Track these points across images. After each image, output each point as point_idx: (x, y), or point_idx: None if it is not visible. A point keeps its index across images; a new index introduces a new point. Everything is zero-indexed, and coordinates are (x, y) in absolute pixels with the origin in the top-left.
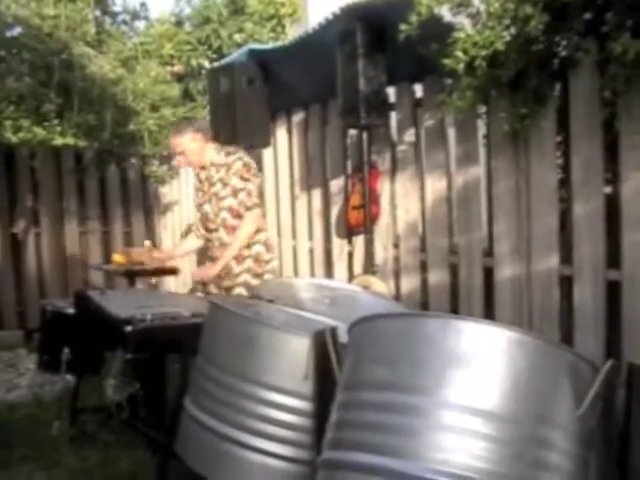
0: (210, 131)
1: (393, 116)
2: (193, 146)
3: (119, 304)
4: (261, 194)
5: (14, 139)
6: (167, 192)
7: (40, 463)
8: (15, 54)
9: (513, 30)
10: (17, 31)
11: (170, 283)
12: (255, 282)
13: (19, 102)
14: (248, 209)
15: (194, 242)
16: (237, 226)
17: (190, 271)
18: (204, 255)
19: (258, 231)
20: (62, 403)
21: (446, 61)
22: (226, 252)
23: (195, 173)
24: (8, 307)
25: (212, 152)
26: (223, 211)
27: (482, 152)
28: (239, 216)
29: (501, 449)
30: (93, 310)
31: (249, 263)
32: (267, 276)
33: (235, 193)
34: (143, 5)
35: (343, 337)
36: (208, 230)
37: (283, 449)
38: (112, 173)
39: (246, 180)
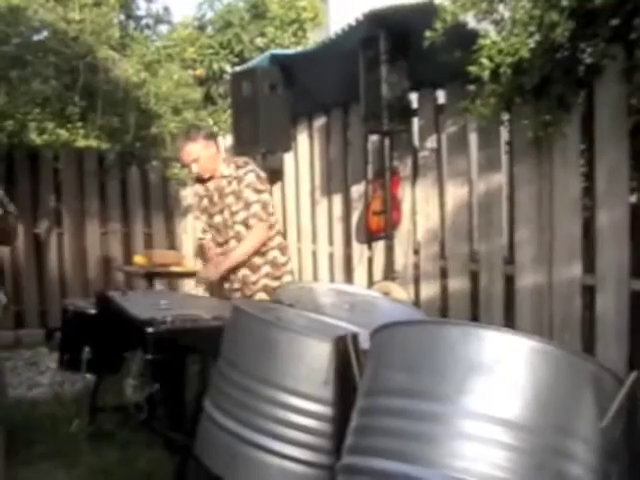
0: (218, 139)
1: (415, 122)
2: (206, 153)
3: (140, 305)
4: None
5: (38, 141)
6: (188, 195)
7: (60, 460)
8: (41, 57)
9: (538, 37)
10: (43, 35)
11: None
12: (274, 284)
13: (44, 104)
14: (261, 220)
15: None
16: None
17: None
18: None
19: (271, 238)
20: (82, 402)
21: (471, 68)
22: (228, 259)
23: (201, 181)
24: (30, 306)
25: (222, 164)
26: (237, 224)
27: (504, 159)
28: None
29: (522, 459)
30: (114, 311)
31: (266, 269)
32: (286, 277)
33: (247, 206)
34: (166, 9)
35: (363, 343)
36: (218, 243)
37: (302, 453)
38: (134, 175)
39: (260, 192)
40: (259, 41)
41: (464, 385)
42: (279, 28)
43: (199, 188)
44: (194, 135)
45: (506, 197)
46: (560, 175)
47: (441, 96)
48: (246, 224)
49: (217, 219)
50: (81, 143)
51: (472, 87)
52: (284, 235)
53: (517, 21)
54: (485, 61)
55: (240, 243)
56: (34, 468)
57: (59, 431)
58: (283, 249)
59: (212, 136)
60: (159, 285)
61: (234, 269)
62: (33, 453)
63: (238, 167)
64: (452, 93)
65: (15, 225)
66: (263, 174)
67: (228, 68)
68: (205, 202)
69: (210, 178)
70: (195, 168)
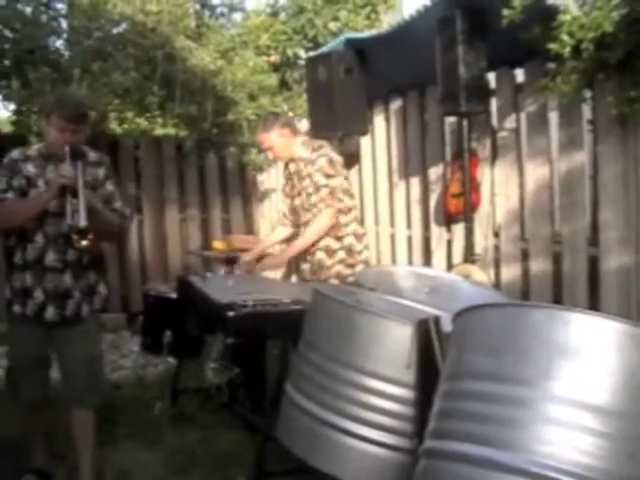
0: (296, 125)
1: (493, 102)
2: (280, 141)
3: (220, 289)
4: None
5: (119, 130)
6: (265, 180)
7: (142, 441)
8: (121, 49)
9: (622, 9)
10: (123, 27)
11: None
12: (348, 272)
13: (124, 95)
14: (328, 206)
15: (281, 232)
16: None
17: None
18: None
19: (347, 224)
20: (164, 384)
21: (551, 45)
22: (294, 244)
23: (284, 164)
24: (112, 291)
25: (299, 147)
26: (313, 207)
27: (587, 137)
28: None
29: (610, 446)
30: (195, 295)
31: (341, 255)
32: (359, 267)
33: (317, 189)
34: None
35: (445, 326)
36: (298, 224)
37: (383, 437)
38: (211, 161)
39: (329, 177)
40: (332, 25)
41: (549, 369)
42: (352, 12)
43: (285, 172)
44: (269, 125)
45: (589, 177)
46: None
47: (519, 75)
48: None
49: (297, 202)
50: (159, 131)
51: (552, 65)
52: (362, 219)
53: None
54: (566, 37)
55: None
56: (118, 448)
57: (142, 413)
58: (359, 237)
59: (287, 124)
60: (238, 270)
61: (312, 252)
62: (117, 434)
63: (313, 150)
64: (531, 71)
65: (118, 224)
66: (338, 158)
67: (302, 53)
68: (289, 185)
69: (292, 160)
70: (270, 155)
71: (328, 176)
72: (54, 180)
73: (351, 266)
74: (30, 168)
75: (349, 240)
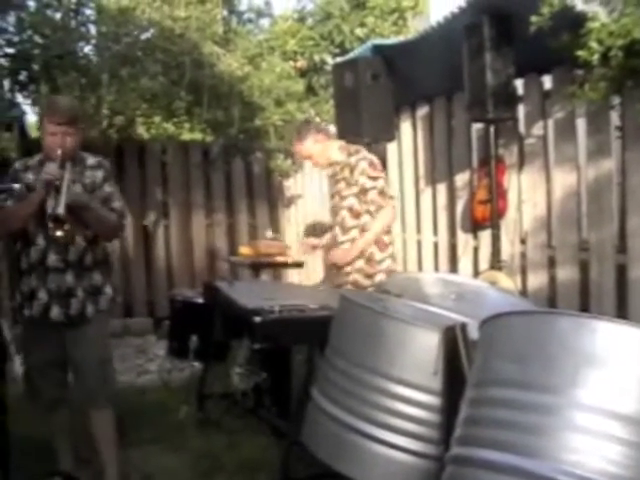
0: (329, 129)
1: (520, 109)
2: (316, 148)
3: (247, 295)
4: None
5: (146, 135)
6: (291, 186)
7: (168, 445)
8: (149, 55)
9: None
10: (151, 33)
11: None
12: (366, 282)
13: (152, 100)
14: (381, 207)
15: None
16: (354, 227)
17: (328, 253)
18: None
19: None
20: (189, 389)
21: (580, 53)
22: (360, 240)
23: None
24: (138, 296)
25: (335, 151)
26: (343, 210)
27: (615, 144)
28: (358, 216)
29: (639, 455)
30: (221, 300)
31: (360, 263)
32: (379, 276)
33: (364, 192)
34: (267, 3)
35: (471, 333)
36: (330, 226)
37: (409, 443)
38: (238, 167)
39: (375, 178)
40: (359, 31)
41: (576, 377)
42: (379, 18)
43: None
44: (303, 135)
45: (617, 184)
46: None
47: (547, 81)
48: (352, 211)
49: (331, 203)
50: (186, 136)
51: (580, 71)
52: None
53: (628, 0)
54: (594, 45)
55: (364, 230)
56: (142, 450)
57: (167, 417)
58: (383, 245)
59: (320, 129)
60: (264, 275)
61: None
62: (142, 437)
63: (350, 154)
64: (559, 78)
65: (116, 222)
66: (377, 160)
67: (329, 59)
68: (329, 187)
69: (330, 165)
70: (312, 164)
71: (373, 178)
72: (41, 178)
73: (370, 277)
74: (30, 176)
75: (370, 249)
